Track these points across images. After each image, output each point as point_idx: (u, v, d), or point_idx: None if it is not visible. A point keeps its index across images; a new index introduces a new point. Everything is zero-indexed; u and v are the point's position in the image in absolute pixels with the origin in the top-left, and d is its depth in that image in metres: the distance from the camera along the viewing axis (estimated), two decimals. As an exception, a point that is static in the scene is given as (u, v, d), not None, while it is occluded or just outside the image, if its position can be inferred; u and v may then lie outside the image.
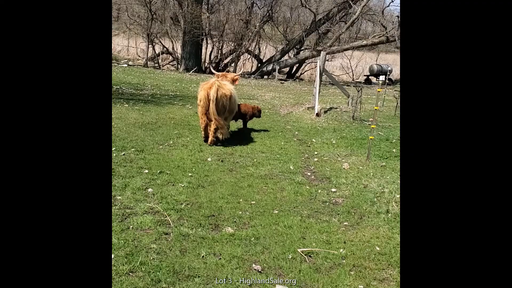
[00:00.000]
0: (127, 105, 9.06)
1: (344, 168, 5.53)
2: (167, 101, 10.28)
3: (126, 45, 24.76)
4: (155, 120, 7.85)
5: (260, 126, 8.20)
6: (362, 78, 24.10)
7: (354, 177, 5.15)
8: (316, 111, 9.55)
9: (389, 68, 23.84)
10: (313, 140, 7.27)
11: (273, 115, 9.59)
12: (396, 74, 25.25)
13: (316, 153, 6.38)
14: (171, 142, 6.36)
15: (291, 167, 5.46)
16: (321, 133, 7.84)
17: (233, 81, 7.15)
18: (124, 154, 5.42)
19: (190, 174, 4.86)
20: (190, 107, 9.69)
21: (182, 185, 4.45)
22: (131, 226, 3.41)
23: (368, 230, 3.68)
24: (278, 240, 3.36)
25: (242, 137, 7.07)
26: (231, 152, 6.09)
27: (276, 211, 3.94)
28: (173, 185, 4.47)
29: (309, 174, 5.29)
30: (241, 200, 4.17)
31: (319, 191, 4.61)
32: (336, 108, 10.97)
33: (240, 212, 3.85)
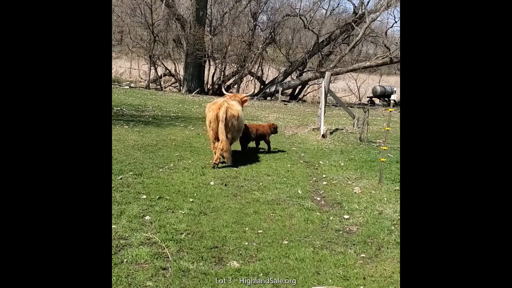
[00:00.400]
0: (127, 127, 8.79)
1: (355, 193, 5.18)
2: (169, 123, 10.01)
3: (128, 67, 24.76)
4: (156, 142, 7.56)
5: (265, 147, 7.88)
6: (365, 100, 23.93)
7: (367, 203, 4.79)
8: (322, 132, 9.25)
9: (395, 89, 23.70)
10: (321, 162, 6.94)
11: (278, 137, 9.25)
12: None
13: (324, 176, 6.04)
14: (172, 165, 6.04)
15: (299, 191, 5.12)
16: (328, 155, 7.52)
17: (242, 101, 7.18)
18: (121, 178, 5.09)
19: (191, 200, 4.52)
20: (192, 128, 9.41)
21: (183, 212, 4.10)
22: (125, 260, 3.06)
23: (389, 263, 3.30)
24: (290, 276, 2.99)
25: (247, 159, 6.75)
26: (235, 175, 5.76)
27: (286, 242, 3.58)
28: (172, 212, 4.13)
29: (318, 199, 4.93)
30: (247, 228, 3.82)
31: (331, 218, 4.25)
32: (342, 129, 10.67)
33: (246, 243, 3.49)
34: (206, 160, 6.47)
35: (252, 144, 7.51)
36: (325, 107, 10.15)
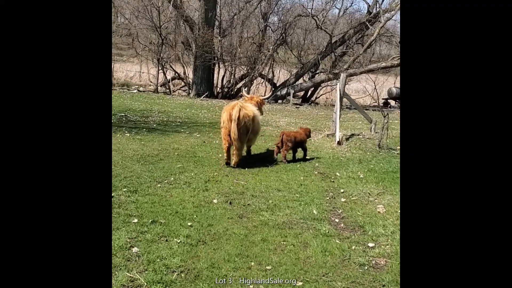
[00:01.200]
0: (128, 134, 8.25)
1: (379, 212, 4.52)
2: (173, 129, 9.45)
3: (138, 70, 24.37)
4: (157, 152, 6.98)
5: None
6: (380, 101, 23.09)
7: (394, 226, 4.12)
8: (338, 139, 8.58)
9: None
10: (337, 174, 6.27)
11: (290, 144, 8.63)
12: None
13: (342, 191, 5.38)
14: (172, 178, 5.45)
15: (314, 211, 4.47)
16: (345, 165, 6.84)
17: (260, 104, 7.28)
18: (113, 197, 4.51)
19: (189, 224, 3.91)
20: (198, 135, 8.83)
21: (178, 241, 3.49)
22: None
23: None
24: (305, 335, 2.35)
25: (256, 170, 6.13)
26: (241, 190, 5.14)
27: (300, 283, 2.94)
28: (166, 240, 3.52)
29: (337, 220, 4.28)
30: (252, 263, 3.19)
31: (353, 247, 3.59)
32: (358, 134, 9.97)
33: (252, 287, 2.86)
34: (211, 173, 5.87)
35: (260, 150, 6.89)
36: (340, 111, 9.47)
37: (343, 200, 4.97)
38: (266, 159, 6.96)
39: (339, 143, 8.52)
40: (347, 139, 9.20)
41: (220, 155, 7.09)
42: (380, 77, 23.65)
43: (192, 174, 5.75)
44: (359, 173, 6.28)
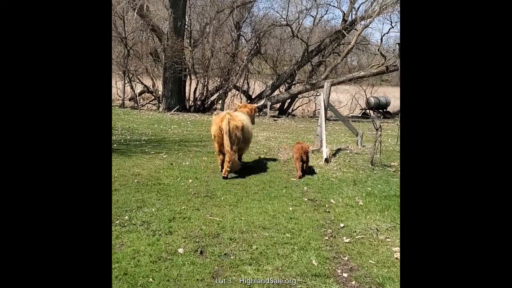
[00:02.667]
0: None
1: (397, 259, 3.46)
2: (137, 149, 8.21)
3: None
4: (113, 179, 5.75)
5: (257, 179, 6.15)
6: (357, 112, 22.46)
7: (423, 280, 3.06)
8: (325, 156, 7.55)
9: (389, 100, 22.35)
10: (332, 200, 5.21)
11: (271, 162, 7.55)
12: (394, 106, 23.72)
13: (342, 225, 4.31)
14: (127, 217, 4.26)
15: (313, 261, 3.37)
16: (339, 188, 5.80)
17: (252, 111, 7.38)
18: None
19: (141, 294, 2.73)
20: (165, 156, 7.62)
21: (120, 333, 2.31)
22: None
23: None
24: None
25: (234, 199, 5.00)
26: (216, 230, 3.99)
27: None
28: (102, 331, 2.33)
29: (345, 275, 3.18)
30: None
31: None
32: (345, 149, 9.02)
33: None
34: (177, 206, 4.71)
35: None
36: (325, 124, 8.48)
37: (346, 240, 3.89)
38: (244, 186, 5.84)
39: (326, 160, 7.49)
40: (333, 155, 8.21)
41: (190, 180, 5.94)
42: (354, 87, 23.03)
43: (153, 209, 4.56)
44: (357, 199, 5.25)
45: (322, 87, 17.00)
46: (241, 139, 6.39)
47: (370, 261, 3.41)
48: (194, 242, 3.70)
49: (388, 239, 3.88)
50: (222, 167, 6.26)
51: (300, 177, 6.37)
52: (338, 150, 8.82)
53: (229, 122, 6.10)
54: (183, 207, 4.67)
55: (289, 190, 5.65)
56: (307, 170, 6.67)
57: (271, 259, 3.39)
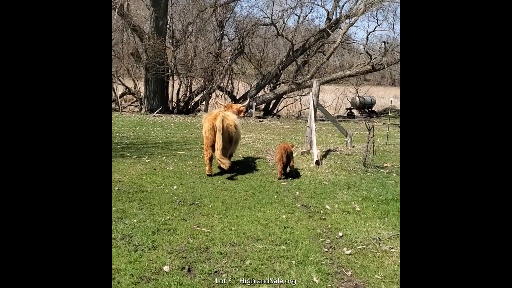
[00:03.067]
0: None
1: (405, 272, 3.16)
2: (118, 153, 7.76)
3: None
4: (90, 187, 5.32)
5: (246, 184, 5.81)
6: (342, 112, 22.32)
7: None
8: (316, 158, 7.26)
9: (375, 100, 22.30)
10: (326, 206, 4.91)
11: (261, 166, 7.22)
12: (379, 105, 23.68)
13: (340, 234, 4.00)
14: (105, 231, 3.85)
15: (314, 278, 3.04)
16: (333, 193, 5.50)
17: (239, 112, 7.24)
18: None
19: (121, 326, 2.36)
20: (147, 160, 7.21)
21: None
22: None
23: None
24: None
25: (223, 206, 4.65)
26: (204, 244, 3.64)
27: None
28: None
29: (351, 294, 2.87)
30: None
31: None
32: (335, 150, 8.75)
33: None
34: (161, 216, 4.33)
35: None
36: (314, 125, 8.19)
37: (347, 252, 3.58)
38: (233, 192, 5.50)
39: (317, 163, 7.20)
40: (324, 156, 7.94)
41: (175, 187, 5.56)
42: (340, 87, 22.88)
43: (135, 220, 4.17)
44: (353, 204, 4.96)
45: (308, 87, 16.82)
46: (233, 139, 6.46)
47: (376, 276, 3.11)
48: (180, 257, 3.34)
49: (393, 250, 3.59)
50: (210, 163, 6.26)
51: (279, 178, 6.16)
52: (328, 151, 8.55)
53: (223, 120, 6.09)
54: (168, 217, 4.30)
55: (280, 196, 5.32)
56: (293, 171, 6.38)
57: (267, 276, 3.05)
